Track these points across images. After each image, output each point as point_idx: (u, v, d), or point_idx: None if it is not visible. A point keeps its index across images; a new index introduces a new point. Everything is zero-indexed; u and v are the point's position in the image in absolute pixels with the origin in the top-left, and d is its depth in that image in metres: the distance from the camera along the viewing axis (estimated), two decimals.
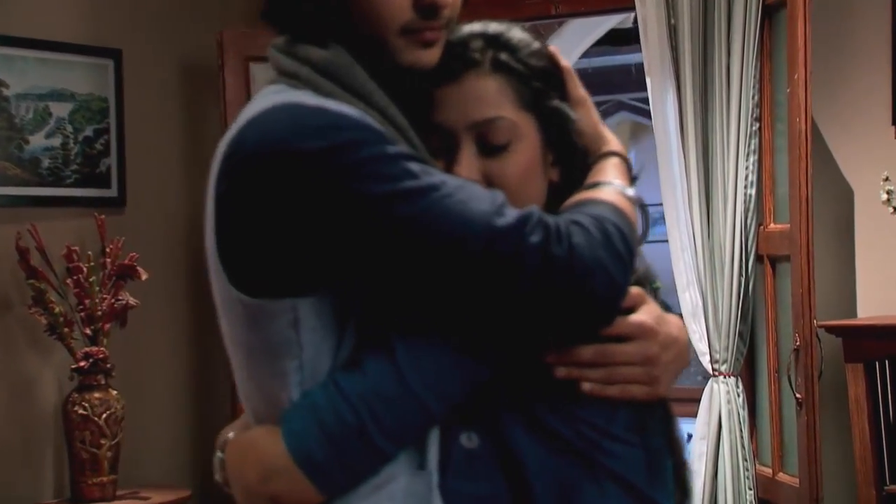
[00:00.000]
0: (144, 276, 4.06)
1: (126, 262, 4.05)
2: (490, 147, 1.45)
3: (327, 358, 1.35)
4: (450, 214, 1.28)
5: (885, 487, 3.72)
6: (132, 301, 4.06)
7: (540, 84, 1.49)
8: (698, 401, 4.02)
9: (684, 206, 4.00)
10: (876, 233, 4.06)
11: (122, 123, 4.44)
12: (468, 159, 1.44)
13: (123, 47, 4.46)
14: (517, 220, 1.30)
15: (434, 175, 1.32)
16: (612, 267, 1.32)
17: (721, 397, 3.99)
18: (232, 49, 4.38)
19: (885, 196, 3.72)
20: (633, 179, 1.54)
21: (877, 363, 3.75)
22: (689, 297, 4.00)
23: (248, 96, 4.29)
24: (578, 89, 1.56)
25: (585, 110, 1.55)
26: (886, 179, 3.75)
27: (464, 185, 1.32)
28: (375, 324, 1.35)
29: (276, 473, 1.34)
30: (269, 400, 1.39)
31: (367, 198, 1.27)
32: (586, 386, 1.38)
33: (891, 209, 3.73)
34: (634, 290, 1.41)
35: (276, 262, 1.32)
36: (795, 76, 3.59)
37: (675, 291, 4.01)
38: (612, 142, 1.56)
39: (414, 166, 1.30)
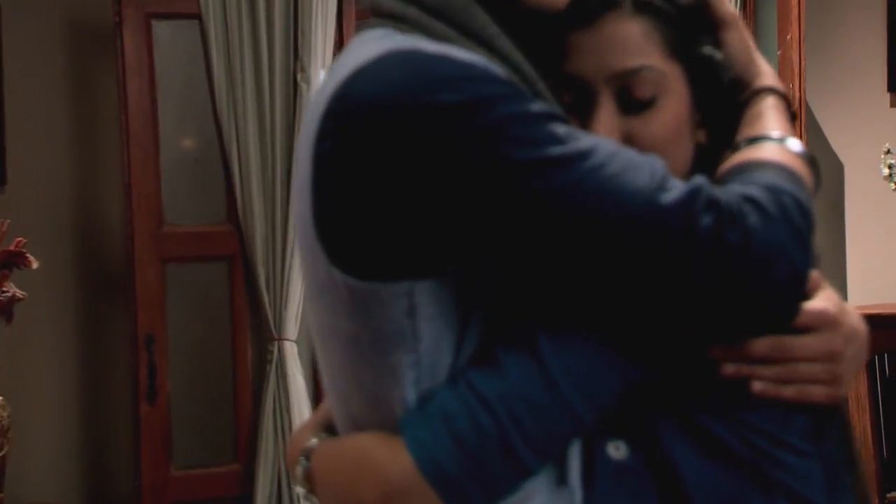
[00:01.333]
0: (35, 265, 3.53)
1: (13, 248, 3.51)
2: (633, 103, 1.29)
3: (447, 353, 1.20)
4: (603, 189, 1.13)
5: (888, 495, 3.46)
6: (19, 293, 3.52)
7: (689, 27, 1.33)
8: None
9: None
10: (870, 212, 3.77)
11: (0, 89, 3.97)
12: (607, 118, 1.28)
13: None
14: (685, 197, 1.15)
15: (582, 139, 1.16)
16: (793, 251, 1.18)
17: None
18: (131, 3, 3.88)
19: (885, 171, 3.41)
20: (792, 117, 1.38)
21: (876, 358, 3.46)
22: None
23: (150, 59, 3.87)
24: (725, 5, 1.38)
25: (735, 33, 1.38)
26: (888, 152, 3.43)
27: (617, 152, 1.17)
28: (509, 314, 1.20)
29: (402, 493, 1.18)
30: (376, 401, 1.24)
31: (505, 165, 1.12)
32: (758, 386, 1.23)
33: (893, 185, 3.40)
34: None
35: (391, 239, 1.16)
36: (788, 36, 3.31)
37: None
38: (767, 74, 1.39)
39: (559, 129, 1.15)
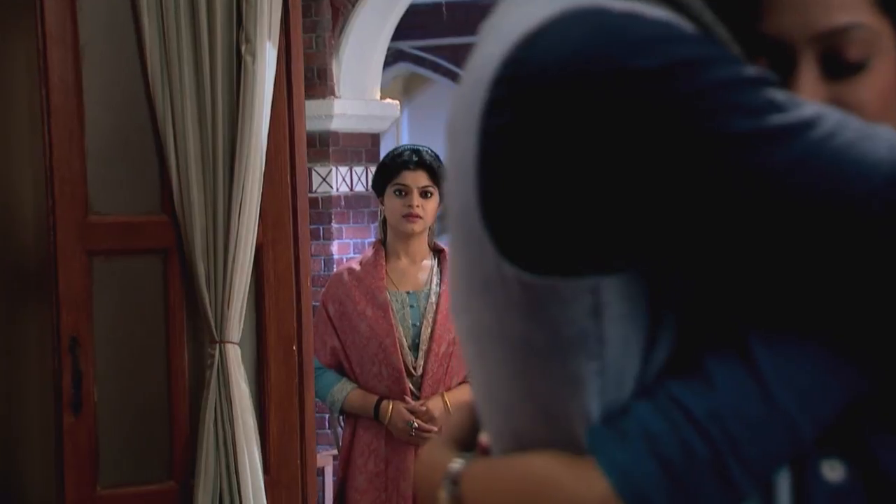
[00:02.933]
0: None
1: None
2: (840, 66, 1.16)
3: (635, 359, 1.09)
4: (836, 163, 1.02)
5: None
6: None
7: None
8: None
9: None
10: None
11: None
12: (810, 83, 1.15)
13: None
14: None
15: (805, 106, 1.05)
16: None
17: None
18: None
19: None
20: None
21: None
22: None
23: (74, 27, 3.55)
24: None
25: None
26: None
27: (846, 120, 1.05)
28: (711, 315, 1.08)
29: None
30: (548, 414, 1.12)
31: (717, 138, 1.01)
32: None
33: None
34: None
35: (576, 227, 1.05)
36: None
37: None
38: None
39: (777, 94, 1.04)
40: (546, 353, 1.10)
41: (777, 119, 1.02)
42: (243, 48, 3.52)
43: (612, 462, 1.07)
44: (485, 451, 1.22)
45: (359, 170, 6.27)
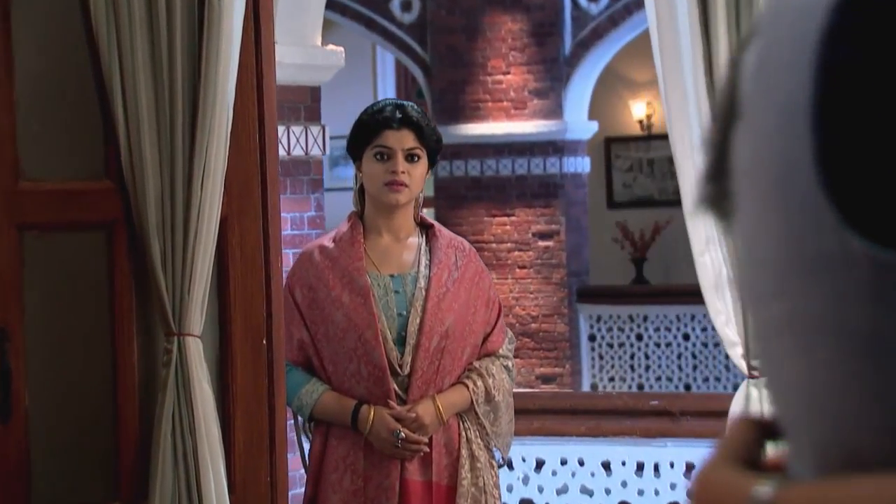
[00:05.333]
0: None
1: None
2: None
3: None
4: None
5: None
6: None
7: None
8: (724, 413, 3.84)
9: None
10: None
11: None
12: None
13: None
14: None
15: None
16: None
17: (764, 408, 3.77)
18: None
19: None
20: None
21: None
22: (708, 262, 3.83)
23: None
24: None
25: None
26: None
27: None
28: None
29: None
30: None
31: None
32: None
33: None
34: None
35: None
36: None
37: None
38: None
39: None
40: None
41: None
42: None
43: None
44: (782, 470, 1.22)
45: (297, 130, 6.44)
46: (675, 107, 3.95)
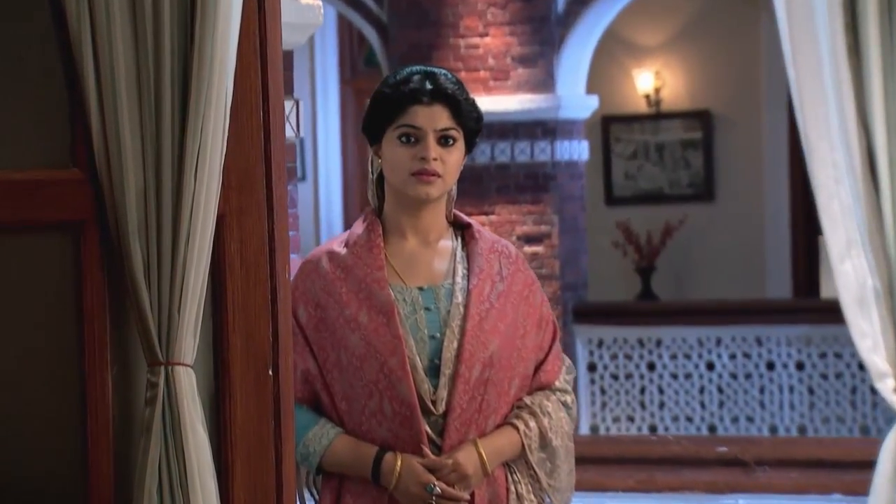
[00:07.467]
0: None
1: None
2: None
3: None
4: None
5: None
6: None
7: None
8: (871, 463, 3.82)
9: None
10: None
11: None
12: None
13: None
14: None
15: None
16: None
17: None
18: None
19: None
20: None
21: None
22: (850, 270, 3.84)
23: None
24: None
25: None
26: None
27: None
28: None
29: None
30: None
31: None
32: None
33: None
34: None
35: None
36: None
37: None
38: None
39: None
40: None
41: None
42: None
43: None
44: None
45: None
46: (803, 69, 3.88)
